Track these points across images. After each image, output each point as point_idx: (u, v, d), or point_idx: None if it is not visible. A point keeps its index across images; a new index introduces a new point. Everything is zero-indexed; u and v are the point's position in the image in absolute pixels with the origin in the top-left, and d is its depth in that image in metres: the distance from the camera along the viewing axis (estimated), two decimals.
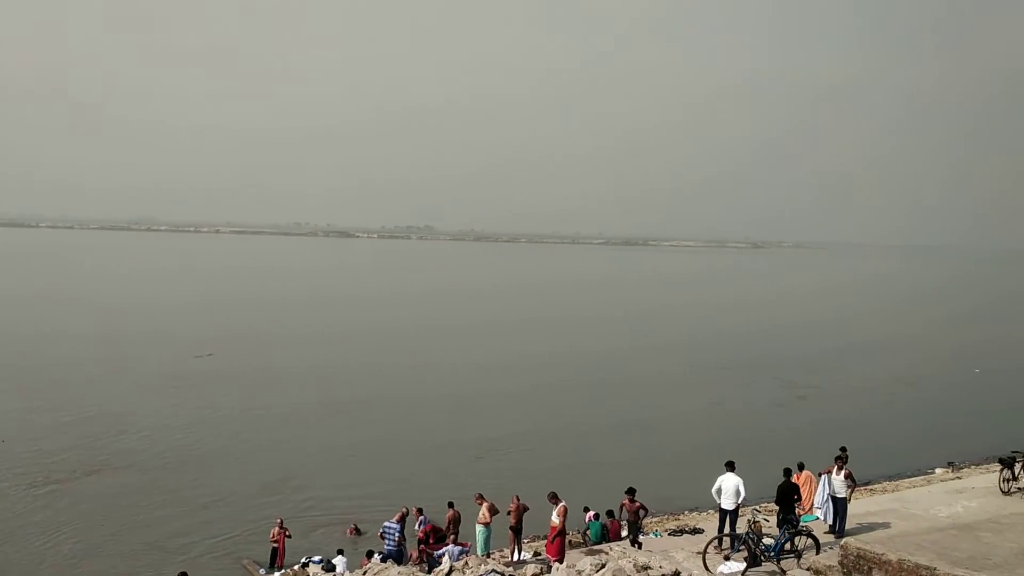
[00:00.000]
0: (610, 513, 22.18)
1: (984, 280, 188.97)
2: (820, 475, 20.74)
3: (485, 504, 20.76)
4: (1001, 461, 24.12)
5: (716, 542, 18.52)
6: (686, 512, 26.47)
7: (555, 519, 19.20)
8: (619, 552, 18.87)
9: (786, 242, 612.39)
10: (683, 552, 18.82)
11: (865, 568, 14.02)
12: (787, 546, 17.54)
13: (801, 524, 18.65)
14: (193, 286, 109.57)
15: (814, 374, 54.53)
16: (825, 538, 18.71)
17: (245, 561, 23.61)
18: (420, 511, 22.09)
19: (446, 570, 18.39)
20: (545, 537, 20.46)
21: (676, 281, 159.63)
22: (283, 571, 22.39)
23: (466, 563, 18.74)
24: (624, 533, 21.27)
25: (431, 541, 21.32)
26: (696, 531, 22.38)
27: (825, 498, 20.24)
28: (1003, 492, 23.02)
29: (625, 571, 16.26)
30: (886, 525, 20.47)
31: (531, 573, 17.72)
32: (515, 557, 20.54)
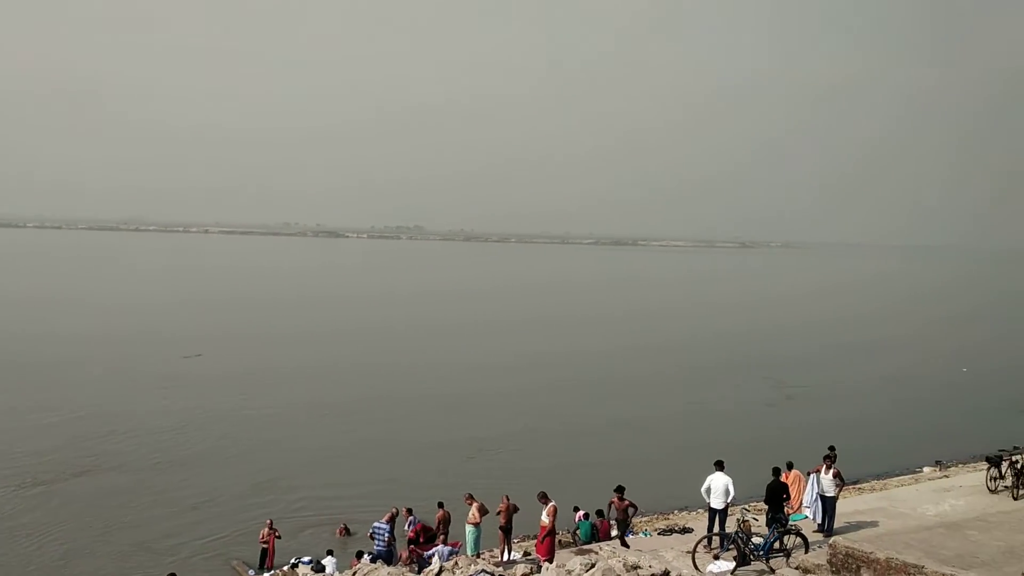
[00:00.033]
0: (600, 513, 22.22)
1: (978, 280, 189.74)
2: (809, 474, 20.84)
3: (475, 504, 20.77)
4: (988, 460, 24.29)
5: (706, 541, 18.59)
6: (676, 511, 26.49)
7: (545, 519, 19.24)
8: (609, 552, 18.91)
9: (774, 242, 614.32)
10: (673, 551, 18.89)
11: (853, 567, 14.09)
12: (776, 545, 17.62)
13: (790, 523, 18.74)
14: (181, 286, 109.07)
15: (802, 374, 54.71)
16: (814, 537, 18.81)
17: (234, 562, 23.53)
18: (410, 511, 22.08)
19: (436, 570, 18.39)
20: (535, 537, 20.50)
21: (666, 281, 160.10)
22: (272, 572, 22.32)
23: (456, 563, 18.74)
24: (614, 533, 21.31)
25: (421, 540, 21.31)
26: (686, 530, 22.45)
27: (814, 497, 20.33)
28: (990, 491, 23.18)
29: (615, 570, 16.29)
30: (874, 524, 20.59)
31: (521, 573, 17.74)
32: (505, 557, 20.57)
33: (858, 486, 27.86)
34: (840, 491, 20.86)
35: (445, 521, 21.30)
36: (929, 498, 23.47)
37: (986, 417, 41.72)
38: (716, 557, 18.06)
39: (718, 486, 19.07)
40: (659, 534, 22.49)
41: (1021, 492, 22.56)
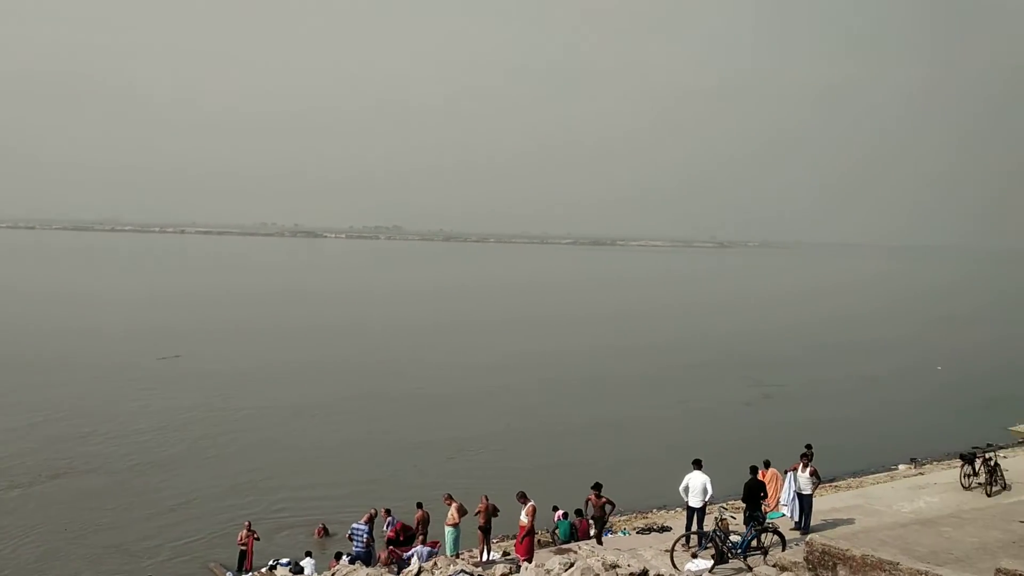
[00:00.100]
0: (579, 512, 22.27)
1: (967, 281, 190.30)
2: (786, 472, 20.96)
3: (454, 505, 20.75)
4: (962, 457, 24.57)
5: (684, 540, 18.67)
6: (654, 510, 26.62)
7: (524, 519, 19.24)
8: (588, 551, 18.97)
9: (751, 241, 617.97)
10: (651, 550, 18.95)
11: (830, 564, 14.19)
12: (753, 543, 17.73)
13: (767, 521, 18.86)
14: (158, 287, 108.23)
15: (779, 374, 55.04)
16: (791, 535, 18.95)
17: (212, 564, 23.38)
18: (388, 512, 22.02)
19: (415, 571, 18.37)
20: (514, 537, 20.51)
21: (644, 281, 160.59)
22: (251, 574, 22.22)
23: (435, 563, 18.73)
24: (592, 532, 21.35)
25: (401, 539, 21.26)
26: (664, 529, 22.52)
27: (791, 495, 20.47)
28: (964, 487, 23.44)
29: (594, 570, 16.33)
30: (851, 521, 20.76)
31: (500, 573, 17.74)
32: (484, 557, 20.55)
33: (835, 484, 28.09)
34: (817, 489, 21.02)
35: (424, 521, 21.27)
36: (904, 495, 23.69)
37: (960, 415, 42.16)
38: (694, 555, 18.14)
39: (696, 485, 19.15)
40: (638, 533, 22.56)
41: (994, 489, 22.84)
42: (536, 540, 20.20)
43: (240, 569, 22.47)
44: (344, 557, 20.57)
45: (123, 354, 55.65)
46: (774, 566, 15.50)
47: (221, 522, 26.30)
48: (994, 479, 23.02)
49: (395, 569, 19.91)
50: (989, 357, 65.30)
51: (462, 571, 17.89)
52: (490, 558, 20.50)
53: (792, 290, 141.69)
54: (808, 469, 20.10)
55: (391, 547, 21.07)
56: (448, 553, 20.41)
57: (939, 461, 31.44)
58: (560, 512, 22.73)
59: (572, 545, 20.41)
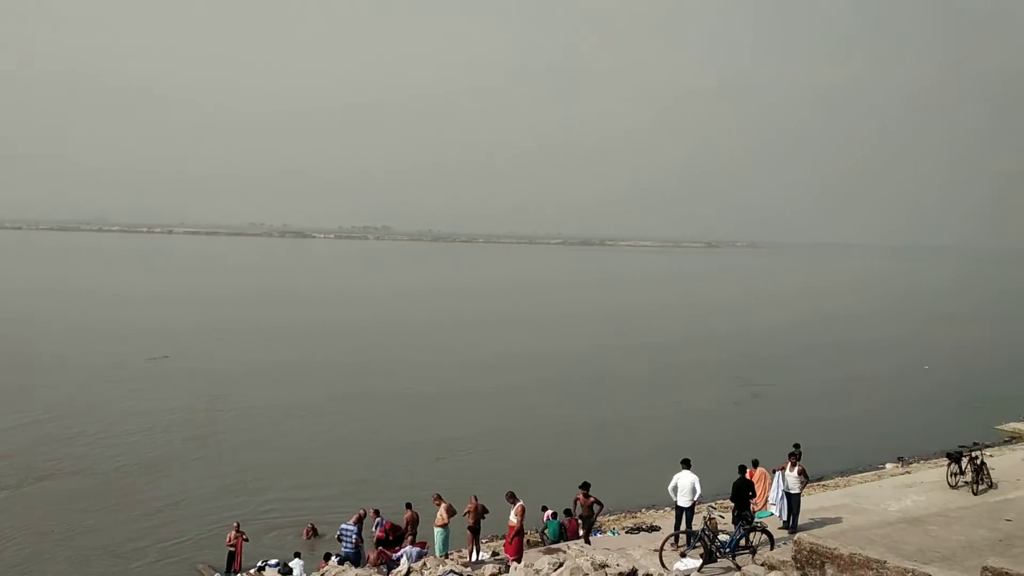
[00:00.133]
0: (568, 512, 22.27)
1: (960, 281, 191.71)
2: (774, 472, 21.01)
3: (443, 505, 20.73)
4: (948, 456, 24.69)
5: (673, 539, 18.70)
6: (643, 510, 26.65)
7: (513, 519, 19.24)
8: (577, 551, 18.98)
9: (739, 242, 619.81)
10: (640, 549, 18.97)
11: (818, 562, 14.24)
12: (742, 542, 17.77)
13: (756, 520, 18.91)
14: (147, 287, 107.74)
15: (767, 374, 55.19)
16: (779, 533, 19.00)
17: (200, 566, 23.29)
18: (377, 512, 21.98)
19: (404, 571, 18.35)
20: (503, 537, 20.50)
21: (633, 281, 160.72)
22: (239, 575, 22.15)
23: (424, 564, 18.72)
24: (582, 532, 21.36)
25: (391, 539, 21.23)
26: (653, 528, 22.55)
27: (779, 494, 20.51)
28: (950, 486, 23.54)
29: (583, 569, 16.35)
30: (838, 520, 20.84)
31: (489, 573, 17.74)
32: (473, 557, 20.55)
33: (822, 483, 28.19)
34: (805, 488, 21.09)
35: (413, 522, 21.23)
36: (892, 494, 23.78)
37: (947, 414, 42.39)
38: (683, 555, 18.18)
39: (685, 484, 19.17)
40: (626, 532, 22.58)
41: (981, 487, 22.96)
42: (525, 540, 20.21)
43: (229, 570, 22.39)
44: (333, 558, 20.53)
45: (112, 355, 55.41)
46: (762, 565, 15.55)
47: (209, 523, 26.21)
48: (980, 477, 23.14)
49: (384, 570, 19.88)
50: (976, 356, 65.72)
51: (451, 571, 17.89)
52: (479, 558, 20.50)
53: (780, 291, 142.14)
54: (796, 468, 20.15)
55: (380, 547, 21.04)
56: (437, 553, 20.39)
57: (926, 460, 31.56)
58: (549, 512, 22.73)
59: (561, 545, 20.41)
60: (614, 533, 22.62)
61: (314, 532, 25.53)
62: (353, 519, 21.08)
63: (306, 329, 72.17)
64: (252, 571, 22.18)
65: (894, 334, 77.98)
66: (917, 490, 24.01)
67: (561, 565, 16.79)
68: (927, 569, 13.16)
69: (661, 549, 17.81)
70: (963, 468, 23.75)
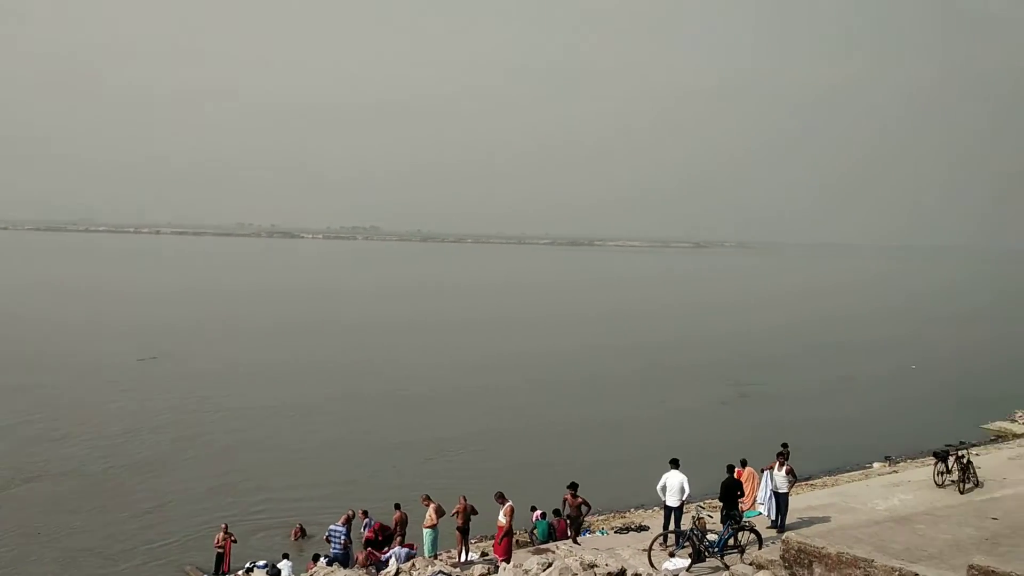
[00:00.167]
0: (557, 512, 22.30)
1: (946, 281, 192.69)
2: (762, 471, 21.08)
3: (432, 505, 20.72)
4: (935, 455, 24.84)
5: (661, 539, 18.75)
6: (632, 509, 26.69)
7: (502, 519, 19.25)
8: (566, 551, 18.99)
9: (728, 242, 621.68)
10: (629, 549, 19.00)
11: (806, 561, 14.28)
12: (730, 542, 17.83)
13: (744, 520, 18.98)
14: (134, 287, 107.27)
15: (755, 373, 55.32)
16: (767, 533, 19.07)
17: (188, 567, 23.20)
18: (365, 513, 21.95)
19: (393, 572, 18.33)
20: (492, 537, 20.50)
21: (623, 282, 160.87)
22: None
23: (413, 564, 18.70)
24: (570, 533, 21.39)
25: (380, 539, 21.20)
26: (642, 528, 22.59)
27: (768, 494, 20.58)
28: (937, 485, 23.68)
29: (572, 569, 16.37)
30: (826, 519, 20.92)
31: (478, 573, 17.74)
32: (462, 558, 20.55)
33: (810, 482, 28.29)
34: (793, 487, 21.17)
35: (402, 523, 21.21)
36: (879, 493, 23.90)
37: (934, 414, 42.60)
38: (672, 554, 18.22)
39: (674, 484, 19.22)
40: (615, 532, 22.62)
41: (967, 486, 23.09)
42: (514, 540, 20.21)
43: (217, 572, 22.29)
44: (322, 559, 20.48)
45: (100, 355, 55.17)
46: (751, 564, 15.58)
47: (197, 524, 26.10)
48: (967, 476, 23.28)
49: (373, 571, 19.87)
50: (964, 356, 66.06)
51: (440, 572, 17.88)
52: (468, 559, 20.50)
53: (769, 292, 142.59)
54: (784, 468, 20.22)
55: (369, 548, 21.02)
56: (426, 554, 20.38)
57: (913, 459, 31.70)
58: (538, 512, 22.73)
59: (550, 545, 20.43)
60: (603, 533, 22.65)
61: (302, 533, 25.46)
62: (341, 520, 21.05)
63: (294, 329, 72.01)
64: (240, 572, 22.09)
65: (883, 335, 78.27)
66: (904, 489, 24.14)
67: (550, 565, 16.80)
68: (914, 568, 13.22)
69: (650, 549, 17.85)
70: (950, 467, 23.89)
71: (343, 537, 20.65)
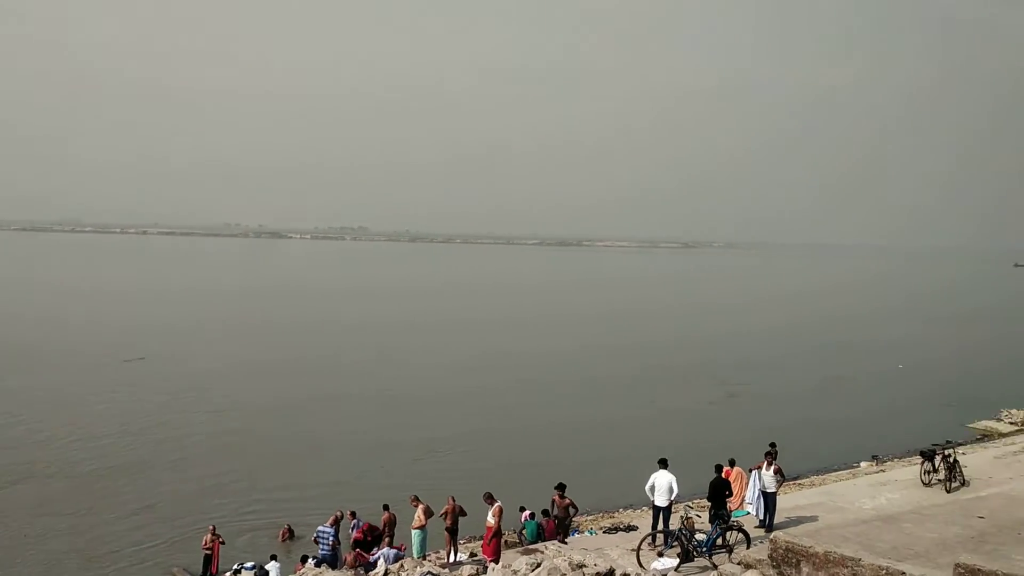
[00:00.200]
0: (545, 512, 22.31)
1: (936, 282, 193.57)
2: (750, 471, 21.15)
3: (420, 506, 20.70)
4: (922, 454, 24.98)
5: (650, 539, 18.79)
6: (620, 509, 26.72)
7: (491, 519, 19.26)
8: (554, 551, 18.99)
9: (716, 242, 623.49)
10: (617, 549, 19.03)
11: (793, 561, 14.34)
12: (719, 541, 17.88)
13: (732, 519, 19.04)
14: (119, 288, 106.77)
15: (744, 373, 55.46)
16: (755, 532, 19.12)
17: (175, 570, 23.07)
18: (353, 514, 21.93)
19: (381, 573, 18.31)
20: (481, 538, 20.50)
21: (612, 282, 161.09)
22: None
23: (401, 565, 18.68)
24: (559, 534, 21.41)
25: (369, 540, 21.17)
26: (630, 528, 22.62)
27: (756, 493, 20.64)
28: (924, 484, 23.82)
29: (560, 570, 16.38)
30: (814, 518, 21.00)
31: (467, 574, 17.74)
32: (451, 558, 20.54)
33: (798, 482, 28.39)
34: (781, 487, 21.24)
35: (390, 524, 21.19)
36: (866, 492, 24.01)
37: (921, 413, 42.78)
38: (660, 554, 18.26)
39: (662, 484, 19.26)
40: (604, 532, 22.64)
41: (953, 485, 23.23)
42: (503, 541, 20.22)
43: (205, 574, 22.19)
44: (310, 560, 20.42)
45: (87, 356, 54.86)
46: (739, 564, 15.64)
47: (184, 526, 25.96)
48: (953, 475, 23.43)
49: (361, 572, 19.85)
50: (951, 356, 66.37)
51: (428, 573, 17.88)
52: (457, 559, 20.50)
53: (758, 292, 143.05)
54: (772, 467, 20.28)
55: (357, 549, 20.98)
56: (415, 555, 20.35)
57: (900, 458, 31.86)
58: (527, 512, 22.74)
59: (539, 545, 20.43)
60: (592, 533, 22.68)
61: (290, 534, 25.37)
62: (330, 521, 21.01)
63: (282, 329, 71.83)
64: (228, 574, 21.99)
65: (871, 335, 78.57)
66: (891, 488, 24.26)
67: (539, 565, 16.82)
68: (901, 566, 13.29)
69: (639, 549, 17.88)
70: (936, 466, 24.04)
71: (331, 538, 20.62)
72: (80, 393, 43.88)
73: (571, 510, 20.86)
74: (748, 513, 21.12)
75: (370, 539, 21.22)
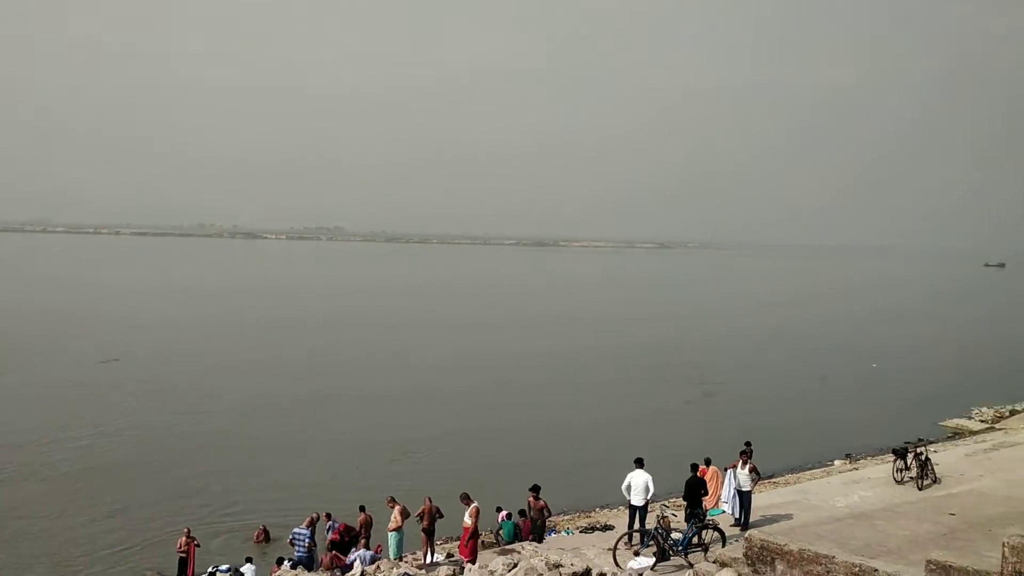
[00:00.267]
0: (522, 513, 22.34)
1: (922, 281, 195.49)
2: (726, 469, 21.28)
3: (397, 507, 20.65)
4: (894, 452, 25.26)
5: (626, 538, 18.85)
6: (597, 509, 26.79)
7: (467, 520, 19.26)
8: (531, 551, 19.01)
9: (691, 242, 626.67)
10: (594, 549, 19.07)
11: (768, 559, 14.44)
12: (695, 540, 17.98)
13: (708, 518, 19.16)
14: (92, 289, 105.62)
15: (720, 373, 55.79)
16: (731, 531, 19.24)
17: (149, 573, 22.84)
18: (329, 515, 21.84)
19: (358, 574, 18.25)
20: (458, 538, 20.49)
21: (589, 284, 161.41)
22: None
23: (378, 567, 18.63)
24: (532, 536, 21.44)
25: (346, 540, 21.09)
26: (607, 528, 22.70)
27: (731, 492, 20.78)
28: (896, 482, 24.09)
29: (537, 569, 16.40)
30: (789, 516, 21.18)
31: (444, 574, 17.71)
32: (428, 559, 20.50)
33: (773, 480, 28.59)
34: (756, 485, 21.39)
35: (367, 525, 21.13)
36: (840, 490, 24.24)
37: (893, 411, 43.21)
38: (636, 553, 18.34)
39: (638, 483, 19.35)
40: (581, 532, 22.71)
41: (925, 483, 23.51)
42: (480, 541, 20.22)
43: None
44: (286, 562, 20.32)
45: (60, 358, 54.23)
46: (714, 562, 15.72)
47: (158, 528, 25.72)
48: (925, 473, 23.71)
49: (338, 574, 19.77)
50: (922, 355, 67.10)
51: (405, 574, 17.85)
52: (434, 560, 20.46)
53: (735, 293, 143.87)
54: (747, 466, 20.43)
55: (334, 551, 20.89)
56: (392, 556, 20.30)
57: (873, 456, 32.17)
58: (504, 513, 22.76)
59: (516, 546, 20.45)
60: (568, 533, 22.74)
61: (266, 536, 25.21)
62: (306, 522, 20.90)
63: (258, 330, 71.34)
64: None
65: (847, 335, 79.29)
66: (864, 486, 24.51)
67: (516, 566, 16.82)
68: (874, 563, 13.43)
69: (615, 548, 17.94)
70: (908, 464, 24.33)
71: (307, 540, 20.51)
72: (53, 395, 43.35)
73: (545, 512, 20.90)
74: (723, 512, 21.26)
75: (347, 540, 21.13)
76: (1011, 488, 22.67)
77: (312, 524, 20.88)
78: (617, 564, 17.41)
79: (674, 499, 23.82)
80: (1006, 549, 12.17)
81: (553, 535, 22.05)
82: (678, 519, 19.07)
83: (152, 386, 46.22)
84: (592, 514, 26.14)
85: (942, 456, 27.55)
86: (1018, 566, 11.99)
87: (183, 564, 22.03)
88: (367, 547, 20.60)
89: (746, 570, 14.71)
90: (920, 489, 23.16)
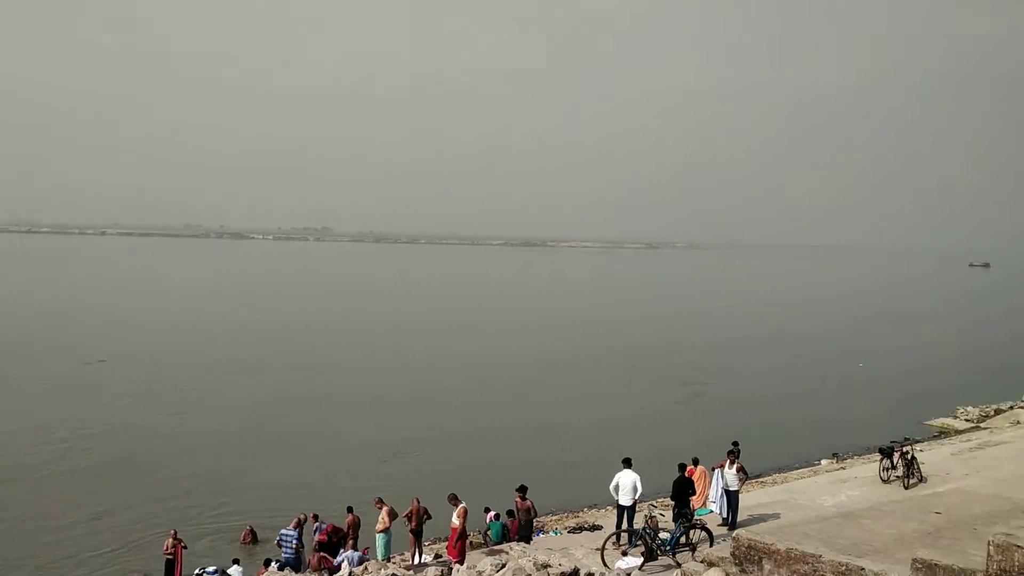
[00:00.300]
0: (510, 513, 22.31)
1: (908, 281, 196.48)
2: (713, 469, 21.31)
3: (385, 508, 20.61)
4: (881, 451, 25.35)
5: (614, 538, 18.85)
6: (585, 509, 26.81)
7: (455, 521, 19.23)
8: (519, 551, 18.99)
9: (679, 242, 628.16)
10: (582, 549, 19.06)
11: (756, 558, 14.47)
12: (682, 540, 17.99)
13: (696, 517, 19.18)
14: (78, 290, 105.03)
15: (708, 373, 55.93)
16: (719, 530, 19.26)
17: (135, 575, 22.75)
18: (316, 517, 21.76)
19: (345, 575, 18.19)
20: (446, 539, 20.46)
21: (576, 284, 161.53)
22: None
23: (366, 568, 18.57)
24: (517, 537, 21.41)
25: (334, 541, 21.02)
26: (595, 528, 22.71)
27: (719, 492, 20.81)
28: (883, 480, 24.18)
29: (525, 570, 16.38)
30: (776, 516, 21.23)
31: (432, 575, 17.67)
32: (416, 560, 20.46)
33: (761, 480, 28.67)
34: (743, 485, 21.43)
35: (355, 526, 21.06)
36: (827, 489, 24.32)
37: (880, 410, 43.44)
38: (624, 553, 18.34)
39: (626, 483, 19.36)
40: (569, 532, 22.72)
41: (911, 481, 23.61)
42: (468, 542, 20.19)
43: None
44: (273, 564, 20.23)
45: (46, 359, 53.88)
46: (702, 562, 15.74)
47: (145, 530, 25.59)
48: (911, 472, 23.81)
49: (325, 575, 19.68)
50: (909, 354, 67.43)
51: (393, 575, 17.79)
52: (422, 561, 20.42)
53: (723, 292, 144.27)
54: (735, 466, 20.46)
55: (322, 552, 20.82)
56: (379, 558, 20.25)
57: (859, 455, 32.31)
58: (492, 513, 22.73)
59: (504, 546, 20.42)
60: (556, 533, 22.74)
61: (253, 537, 25.11)
62: (293, 523, 20.81)
63: (245, 330, 71.13)
64: None
65: (832, 335, 79.68)
66: (851, 485, 24.60)
67: (504, 566, 16.80)
68: (860, 562, 13.47)
69: (603, 548, 17.94)
70: (895, 463, 24.42)
71: (294, 541, 20.42)
72: (39, 397, 43.10)
73: (531, 512, 20.89)
74: (711, 511, 21.29)
75: (334, 541, 21.05)
76: (996, 487, 22.79)
77: (299, 525, 20.79)
78: (605, 564, 17.41)
79: (662, 499, 23.85)
80: (991, 547, 12.24)
81: (541, 535, 22.05)
82: (666, 519, 19.08)
83: (139, 387, 46.00)
84: (580, 514, 26.14)
85: (928, 455, 27.69)
86: (1003, 564, 12.06)
87: (170, 566, 21.90)
88: (355, 548, 20.53)
89: (734, 569, 14.74)
90: (906, 488, 23.26)
